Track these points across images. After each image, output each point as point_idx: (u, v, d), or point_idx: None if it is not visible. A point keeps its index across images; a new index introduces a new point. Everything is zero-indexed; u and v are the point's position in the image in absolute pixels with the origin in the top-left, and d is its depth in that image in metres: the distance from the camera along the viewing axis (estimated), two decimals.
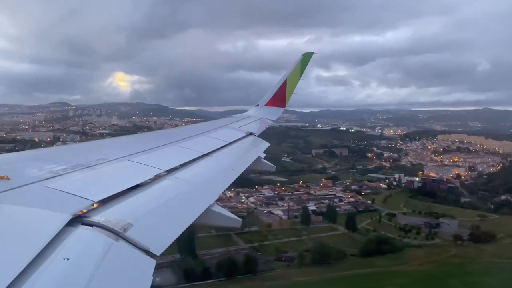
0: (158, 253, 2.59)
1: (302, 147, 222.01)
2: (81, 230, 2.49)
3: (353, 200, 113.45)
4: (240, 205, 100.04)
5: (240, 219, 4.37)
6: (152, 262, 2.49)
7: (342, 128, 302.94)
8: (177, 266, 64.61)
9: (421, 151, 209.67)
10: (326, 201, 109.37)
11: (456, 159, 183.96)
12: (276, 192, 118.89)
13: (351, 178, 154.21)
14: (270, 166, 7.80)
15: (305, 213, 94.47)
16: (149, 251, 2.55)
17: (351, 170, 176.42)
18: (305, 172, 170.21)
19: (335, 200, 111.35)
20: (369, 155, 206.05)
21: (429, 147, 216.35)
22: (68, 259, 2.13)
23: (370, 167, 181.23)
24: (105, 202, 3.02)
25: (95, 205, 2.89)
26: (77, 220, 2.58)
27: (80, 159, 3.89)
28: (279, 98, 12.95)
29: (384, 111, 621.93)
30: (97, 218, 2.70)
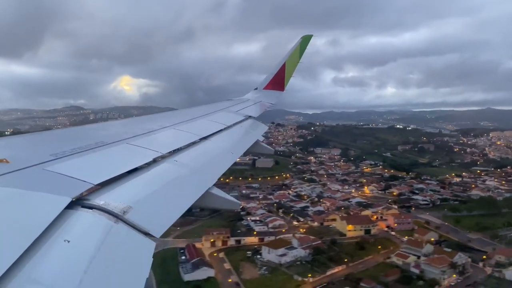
0: (157, 235, 2.61)
1: (380, 144, 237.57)
2: (81, 213, 2.52)
3: None
4: None
5: (239, 202, 4.36)
6: (152, 244, 2.51)
7: (399, 126, 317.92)
8: None
9: (497, 146, 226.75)
10: None
11: None
12: None
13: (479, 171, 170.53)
14: (268, 149, 7.76)
15: None
16: (149, 233, 2.58)
17: (452, 164, 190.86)
18: (423, 166, 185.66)
19: None
20: (456, 150, 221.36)
21: (498, 142, 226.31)
22: (68, 241, 2.17)
23: (466, 161, 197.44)
24: (105, 185, 3.03)
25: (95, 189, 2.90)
26: (77, 203, 2.60)
27: (80, 142, 3.88)
28: (278, 81, 12.80)
29: (388, 112, 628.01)
30: (97, 201, 2.71)
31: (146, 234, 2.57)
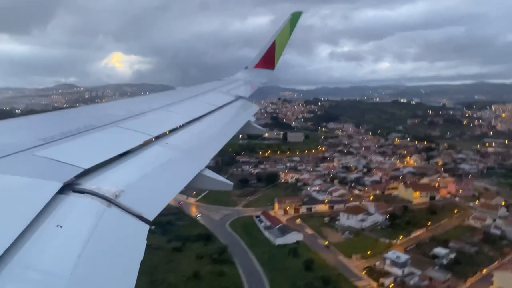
0: (151, 218, 2.61)
1: (389, 118, 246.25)
2: (73, 198, 2.49)
3: None
4: None
5: (231, 183, 4.37)
6: (146, 227, 2.52)
7: (403, 100, 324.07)
8: None
9: (503, 119, 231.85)
10: None
11: None
12: None
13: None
14: (261, 129, 7.73)
15: None
16: (142, 217, 2.57)
17: (464, 136, 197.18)
18: (437, 139, 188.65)
19: None
20: (464, 122, 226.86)
21: (503, 115, 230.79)
22: (61, 227, 2.15)
23: (476, 133, 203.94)
24: (96, 169, 3.00)
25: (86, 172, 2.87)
26: (68, 187, 2.56)
27: (69, 126, 3.82)
28: (268, 60, 12.51)
29: (382, 87, 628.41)
30: (88, 185, 2.68)
31: (140, 217, 2.56)
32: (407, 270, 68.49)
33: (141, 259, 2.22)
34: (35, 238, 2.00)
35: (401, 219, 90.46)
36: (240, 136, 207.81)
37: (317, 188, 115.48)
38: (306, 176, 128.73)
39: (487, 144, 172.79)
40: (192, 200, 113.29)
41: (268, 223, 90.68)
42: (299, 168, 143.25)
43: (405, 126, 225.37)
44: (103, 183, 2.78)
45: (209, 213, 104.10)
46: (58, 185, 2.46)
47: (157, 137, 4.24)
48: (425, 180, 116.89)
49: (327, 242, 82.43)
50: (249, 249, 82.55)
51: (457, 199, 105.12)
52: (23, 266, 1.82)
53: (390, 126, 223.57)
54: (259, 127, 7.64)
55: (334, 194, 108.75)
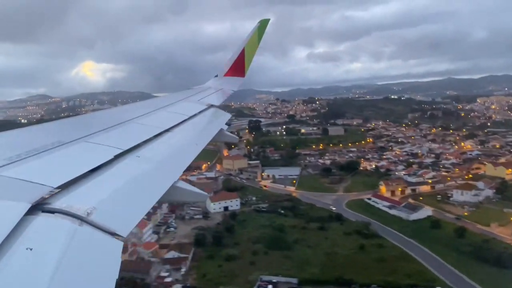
0: (124, 234, 2.56)
1: (389, 113, 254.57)
2: (42, 218, 2.41)
3: None
4: None
5: (207, 194, 4.38)
6: (119, 244, 2.46)
7: (394, 97, 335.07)
8: None
9: (494, 110, 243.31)
10: None
11: None
12: None
13: None
14: (233, 137, 7.67)
15: None
16: (116, 233, 2.52)
17: (468, 127, 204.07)
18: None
19: None
20: (462, 115, 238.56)
21: (493, 106, 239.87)
22: (31, 249, 2.07)
23: (477, 124, 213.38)
24: (66, 187, 2.91)
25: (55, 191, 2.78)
26: (38, 208, 2.48)
27: (35, 143, 3.70)
28: (238, 67, 12.61)
29: (355, 86, 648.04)
30: (58, 204, 2.60)
31: (113, 234, 2.51)
32: None
33: (116, 277, 2.15)
34: (4, 262, 1.92)
35: (509, 192, 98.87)
36: (278, 132, 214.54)
37: (404, 172, 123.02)
38: (383, 163, 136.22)
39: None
40: (291, 188, 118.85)
41: (387, 203, 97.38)
42: (366, 157, 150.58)
43: (408, 119, 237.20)
44: (74, 201, 2.69)
45: (318, 199, 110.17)
46: (26, 206, 2.37)
47: (128, 151, 4.14)
48: (502, 160, 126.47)
49: (455, 215, 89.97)
50: (385, 225, 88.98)
51: None
52: None
53: (395, 120, 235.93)
54: (232, 135, 7.59)
55: (426, 176, 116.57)
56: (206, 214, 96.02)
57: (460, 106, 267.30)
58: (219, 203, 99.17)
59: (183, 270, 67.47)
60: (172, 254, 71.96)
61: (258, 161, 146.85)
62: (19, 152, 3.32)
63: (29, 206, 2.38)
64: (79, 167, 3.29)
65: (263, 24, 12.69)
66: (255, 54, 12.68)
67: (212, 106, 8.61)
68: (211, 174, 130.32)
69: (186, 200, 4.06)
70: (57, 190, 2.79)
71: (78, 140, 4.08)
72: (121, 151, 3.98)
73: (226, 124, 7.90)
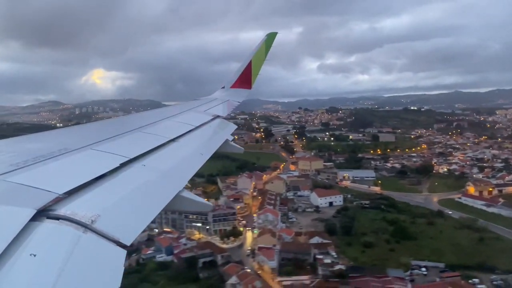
0: (128, 243, 2.57)
1: (414, 124, 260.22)
2: (47, 224, 2.43)
3: None
4: None
5: (211, 204, 4.46)
6: (123, 253, 2.47)
7: (414, 108, 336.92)
8: None
9: None
10: None
11: None
12: None
13: None
14: (238, 148, 7.90)
15: None
16: (119, 242, 2.53)
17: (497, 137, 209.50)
18: None
19: None
20: (488, 126, 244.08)
21: None
22: (35, 255, 2.09)
23: (505, 134, 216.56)
24: (71, 194, 2.94)
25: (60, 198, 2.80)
26: (43, 214, 2.50)
27: (42, 150, 3.77)
28: (245, 79, 12.86)
29: (362, 98, 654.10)
30: (63, 211, 2.62)
31: (116, 242, 2.52)
32: None
33: (119, 286, 2.17)
34: (8, 268, 1.94)
35: None
36: (325, 138, 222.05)
37: (482, 175, 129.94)
38: (455, 167, 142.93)
39: None
40: (376, 188, 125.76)
41: (482, 202, 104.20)
42: (433, 161, 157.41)
43: (435, 129, 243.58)
44: (79, 208, 2.71)
45: (408, 198, 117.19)
46: (31, 212, 2.40)
47: (134, 159, 4.17)
48: None
49: None
50: (489, 221, 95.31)
51: None
52: None
53: (426, 129, 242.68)
54: (237, 146, 7.86)
55: (507, 178, 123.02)
56: (316, 208, 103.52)
57: (482, 118, 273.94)
58: (325, 198, 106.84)
59: (333, 254, 73.69)
60: (316, 239, 77.94)
61: (332, 163, 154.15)
62: (26, 158, 3.37)
63: (34, 212, 2.41)
64: (84, 174, 3.32)
65: (271, 37, 13.03)
66: (262, 66, 12.95)
67: (218, 117, 8.74)
68: (296, 174, 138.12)
69: (190, 209, 4.07)
70: (63, 197, 2.81)
71: (85, 147, 4.14)
72: (127, 159, 4.01)
73: (232, 134, 7.96)
